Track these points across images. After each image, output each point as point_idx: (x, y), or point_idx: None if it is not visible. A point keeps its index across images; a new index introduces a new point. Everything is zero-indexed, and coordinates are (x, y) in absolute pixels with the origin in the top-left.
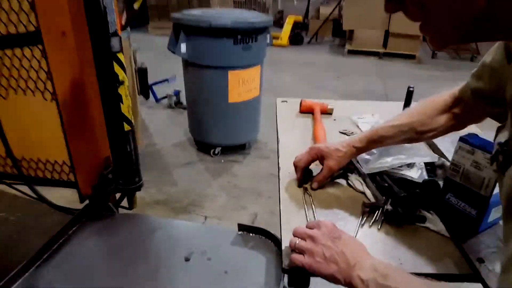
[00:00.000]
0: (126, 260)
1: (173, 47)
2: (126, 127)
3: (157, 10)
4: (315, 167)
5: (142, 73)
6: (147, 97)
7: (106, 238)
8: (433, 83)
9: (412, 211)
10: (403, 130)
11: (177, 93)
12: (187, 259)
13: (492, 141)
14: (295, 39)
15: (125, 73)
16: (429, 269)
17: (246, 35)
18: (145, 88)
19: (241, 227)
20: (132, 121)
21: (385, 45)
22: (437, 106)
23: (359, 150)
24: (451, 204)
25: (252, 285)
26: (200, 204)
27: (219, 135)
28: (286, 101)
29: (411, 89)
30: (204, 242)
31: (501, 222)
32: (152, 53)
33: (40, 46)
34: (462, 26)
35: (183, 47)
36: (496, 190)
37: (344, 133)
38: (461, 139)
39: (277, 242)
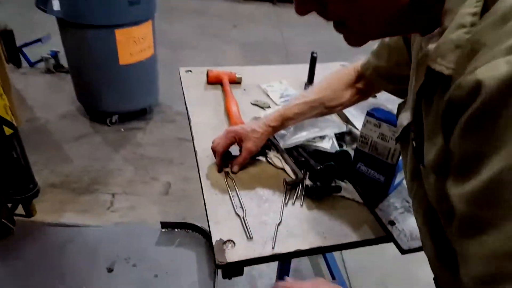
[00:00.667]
0: (38, 285)
1: (42, 3)
2: (7, 130)
3: None
4: (234, 148)
5: (7, 36)
6: (18, 65)
7: (7, 264)
8: (331, 28)
9: (328, 182)
10: (314, 106)
11: (54, 55)
12: (110, 270)
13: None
14: None
15: None
16: (350, 238)
17: None
18: (14, 54)
19: (164, 224)
20: (14, 122)
21: None
22: (343, 81)
23: (275, 128)
24: (362, 173)
25: (186, 286)
26: (104, 181)
27: (114, 101)
28: (191, 71)
29: (315, 55)
30: (126, 247)
31: (404, 183)
32: (16, 5)
33: None
34: (385, 20)
35: (55, 4)
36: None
37: (256, 105)
38: (368, 113)
39: (205, 234)
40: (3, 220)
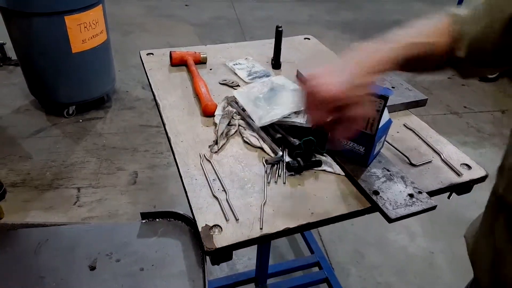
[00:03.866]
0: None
1: None
2: None
3: None
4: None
5: None
6: None
7: None
8: (276, 2)
9: (308, 157)
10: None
11: (1, 46)
12: (92, 268)
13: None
14: None
15: None
16: (337, 212)
17: None
18: None
19: (145, 215)
20: None
21: None
22: None
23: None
24: (341, 144)
25: (174, 276)
26: (67, 175)
27: (69, 91)
28: (152, 54)
29: (280, 29)
30: (107, 243)
31: (383, 152)
32: None
33: None
34: None
35: None
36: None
37: (225, 84)
38: None
39: (189, 222)
40: None
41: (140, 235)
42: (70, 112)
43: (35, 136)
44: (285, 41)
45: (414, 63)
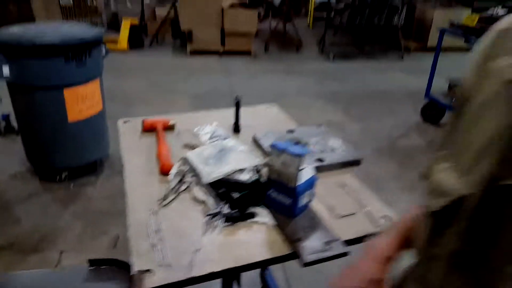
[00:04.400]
0: None
1: None
2: None
3: None
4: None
5: None
6: None
7: None
8: (268, 75)
9: (244, 210)
10: None
11: (5, 117)
12: None
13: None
14: (135, 43)
15: None
16: (261, 257)
17: (78, 51)
18: None
19: (93, 262)
20: None
21: (223, 43)
22: None
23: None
24: (273, 198)
25: None
26: (52, 239)
27: (63, 157)
28: (129, 121)
29: (238, 99)
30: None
31: (310, 205)
32: None
33: None
34: None
35: (5, 70)
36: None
37: (187, 146)
38: (272, 145)
39: (126, 266)
40: None
41: (87, 280)
42: (63, 177)
43: (26, 201)
44: (250, 109)
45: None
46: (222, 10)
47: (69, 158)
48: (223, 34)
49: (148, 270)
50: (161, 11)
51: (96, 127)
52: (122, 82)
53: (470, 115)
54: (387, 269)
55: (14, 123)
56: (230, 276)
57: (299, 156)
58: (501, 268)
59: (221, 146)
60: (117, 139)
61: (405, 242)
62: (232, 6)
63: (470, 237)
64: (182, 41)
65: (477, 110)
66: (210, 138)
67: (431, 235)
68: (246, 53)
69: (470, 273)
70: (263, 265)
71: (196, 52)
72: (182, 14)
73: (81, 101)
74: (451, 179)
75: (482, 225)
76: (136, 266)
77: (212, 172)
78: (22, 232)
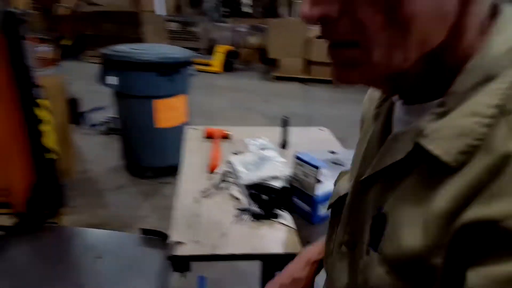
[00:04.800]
0: (50, 260)
1: (102, 79)
2: (52, 156)
3: (92, 39)
4: None
5: (73, 103)
6: (77, 124)
7: (36, 244)
8: (347, 104)
9: (270, 210)
10: None
11: (110, 120)
12: (98, 257)
13: (318, 160)
14: (227, 66)
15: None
16: (274, 251)
17: (170, 69)
18: (76, 117)
19: (143, 231)
20: (58, 151)
21: (308, 71)
22: None
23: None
24: (296, 204)
25: (146, 275)
26: (131, 225)
27: (150, 158)
28: (196, 128)
29: (285, 119)
30: (110, 245)
31: None
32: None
33: None
34: (415, 55)
35: (112, 80)
36: (320, 191)
37: (235, 153)
38: (296, 156)
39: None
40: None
41: (137, 243)
42: (148, 175)
43: (116, 191)
44: (304, 130)
45: None
46: (307, 40)
47: (154, 159)
48: (307, 62)
49: (181, 242)
50: (253, 40)
51: (179, 135)
52: (209, 99)
53: (361, 134)
54: (312, 270)
55: (116, 125)
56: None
57: (317, 168)
58: (362, 255)
59: (262, 155)
60: None
61: None
62: (319, 37)
63: (349, 228)
64: (269, 67)
65: (364, 130)
66: (259, 149)
67: (329, 233)
68: (329, 81)
69: (352, 260)
70: (275, 259)
71: (281, 78)
72: (270, 43)
73: (168, 112)
74: (345, 184)
75: (354, 216)
76: (173, 238)
77: (250, 176)
78: (108, 215)
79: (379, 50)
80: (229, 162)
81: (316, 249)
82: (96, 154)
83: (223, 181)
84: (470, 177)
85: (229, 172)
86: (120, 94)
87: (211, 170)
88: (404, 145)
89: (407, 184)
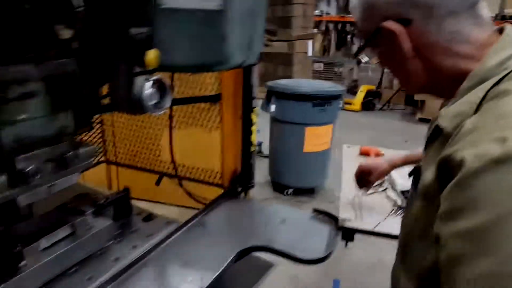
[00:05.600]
0: (246, 220)
1: (265, 107)
2: (252, 148)
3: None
4: None
5: None
6: None
7: (233, 208)
8: None
9: None
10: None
11: (259, 144)
12: (282, 222)
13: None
14: (367, 105)
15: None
16: None
17: (323, 100)
18: None
19: (315, 210)
20: (258, 136)
21: None
22: None
23: (396, 167)
24: None
25: (319, 237)
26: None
27: (293, 178)
28: (351, 146)
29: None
30: (290, 216)
31: None
32: None
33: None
34: (419, 85)
35: (273, 107)
36: None
37: None
38: None
39: (335, 218)
40: (238, 192)
41: (311, 218)
42: (289, 192)
43: (261, 201)
44: None
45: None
46: None
47: (295, 180)
48: None
49: (347, 219)
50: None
51: (321, 161)
52: (348, 134)
53: None
54: (389, 169)
55: (263, 149)
56: None
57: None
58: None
59: None
60: (333, 174)
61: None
62: None
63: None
64: (413, 109)
65: None
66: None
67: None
68: None
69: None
70: None
71: (425, 120)
72: None
73: (316, 138)
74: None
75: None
76: (341, 215)
77: (405, 182)
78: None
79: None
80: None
81: (398, 155)
82: None
83: (381, 185)
84: (446, 148)
85: (388, 179)
86: (276, 120)
87: None
88: (432, 126)
89: (431, 149)
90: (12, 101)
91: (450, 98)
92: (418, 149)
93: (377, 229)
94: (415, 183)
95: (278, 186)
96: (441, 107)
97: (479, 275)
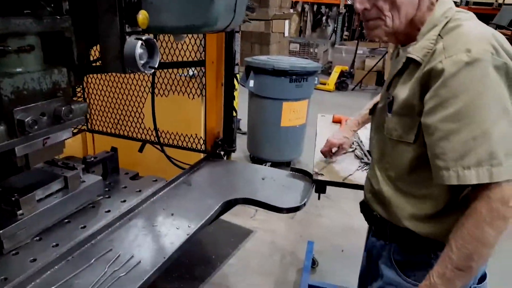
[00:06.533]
0: (229, 178)
1: (243, 82)
2: (234, 114)
3: None
4: None
5: None
6: None
7: (217, 168)
8: None
9: None
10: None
11: (238, 121)
12: (263, 179)
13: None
14: (341, 86)
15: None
16: None
17: (299, 76)
18: None
19: (292, 169)
20: (237, 110)
21: None
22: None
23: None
24: None
25: (295, 191)
26: None
27: (271, 152)
28: (325, 116)
29: None
30: (270, 174)
31: None
32: None
33: (202, 68)
34: (404, 27)
35: (251, 83)
36: None
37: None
38: None
39: (310, 175)
40: (220, 154)
41: (287, 175)
42: (266, 166)
43: None
44: None
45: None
46: None
47: (273, 154)
48: None
49: (320, 173)
50: (370, 62)
51: (297, 135)
52: (323, 113)
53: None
54: (351, 135)
55: (241, 126)
56: None
57: None
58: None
59: None
60: (307, 149)
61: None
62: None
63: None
64: None
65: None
66: None
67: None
68: None
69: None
70: None
71: None
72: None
73: (292, 113)
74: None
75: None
76: (315, 170)
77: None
78: None
79: (388, 19)
80: (356, 134)
81: (355, 121)
82: None
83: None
84: (425, 67)
85: (356, 141)
86: (254, 95)
87: None
88: (402, 59)
89: (402, 77)
90: (10, 54)
91: (409, 42)
92: (360, 112)
93: (346, 181)
94: (389, 109)
95: (257, 160)
96: (391, 58)
97: (465, 140)
